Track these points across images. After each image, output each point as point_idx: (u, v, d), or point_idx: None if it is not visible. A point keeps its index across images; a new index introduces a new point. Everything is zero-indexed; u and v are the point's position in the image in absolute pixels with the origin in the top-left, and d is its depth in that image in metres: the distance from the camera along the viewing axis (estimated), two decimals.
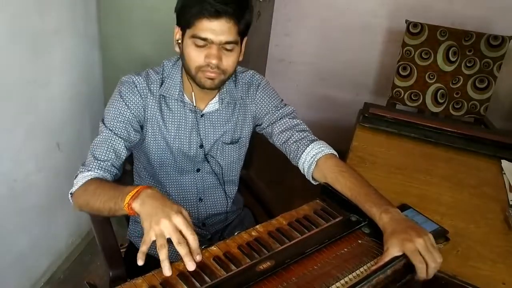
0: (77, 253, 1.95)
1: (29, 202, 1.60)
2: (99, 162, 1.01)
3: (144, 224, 0.80)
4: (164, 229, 0.77)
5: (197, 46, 0.99)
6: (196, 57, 1.00)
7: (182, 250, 0.76)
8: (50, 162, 1.66)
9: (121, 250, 1.24)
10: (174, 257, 0.79)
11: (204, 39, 0.97)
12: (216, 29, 0.96)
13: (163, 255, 0.75)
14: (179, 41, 1.05)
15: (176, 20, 1.04)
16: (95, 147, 1.04)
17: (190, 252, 0.76)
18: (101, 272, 1.85)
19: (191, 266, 0.75)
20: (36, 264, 1.74)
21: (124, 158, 1.06)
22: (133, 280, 0.75)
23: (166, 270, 0.75)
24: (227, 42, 0.98)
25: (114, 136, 1.04)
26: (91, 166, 1.01)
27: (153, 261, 1.22)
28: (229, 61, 1.02)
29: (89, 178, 0.99)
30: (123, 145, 1.05)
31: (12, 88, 1.40)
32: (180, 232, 0.78)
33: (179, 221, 0.78)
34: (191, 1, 0.96)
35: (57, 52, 1.60)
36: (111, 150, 1.03)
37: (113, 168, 1.03)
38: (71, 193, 1.01)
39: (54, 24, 1.55)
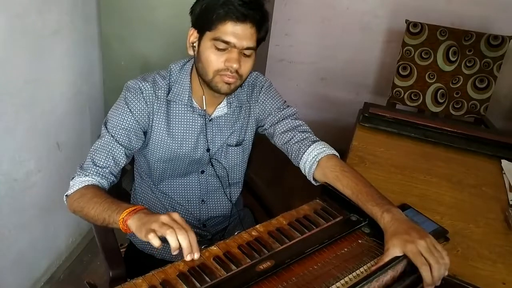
0: (77, 252, 1.95)
1: (29, 202, 1.60)
2: (97, 168, 1.01)
3: (141, 233, 0.79)
4: (164, 220, 0.79)
5: (218, 49, 0.98)
6: (215, 60, 0.99)
7: (184, 241, 0.76)
8: (50, 162, 1.66)
9: (121, 250, 1.24)
10: (174, 257, 0.79)
11: (227, 43, 0.97)
12: (240, 33, 0.96)
13: (173, 241, 0.76)
14: (194, 44, 1.04)
15: (193, 23, 1.03)
16: (95, 151, 1.03)
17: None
18: (101, 272, 1.85)
19: (188, 258, 0.77)
20: (36, 264, 1.74)
21: (123, 165, 1.06)
22: (133, 280, 0.75)
23: (187, 245, 0.77)
24: (248, 48, 0.99)
25: (115, 143, 1.04)
26: (89, 171, 1.00)
27: (153, 261, 1.23)
28: (246, 66, 1.02)
29: (87, 183, 0.98)
30: (123, 152, 1.05)
31: (12, 88, 1.40)
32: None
33: (176, 216, 0.80)
34: (216, 4, 0.95)
35: (57, 52, 1.60)
36: (111, 157, 1.03)
37: (111, 175, 1.03)
38: (66, 195, 1.01)
39: (54, 24, 1.55)
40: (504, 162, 1.50)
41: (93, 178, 1.00)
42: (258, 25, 0.98)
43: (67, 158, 1.74)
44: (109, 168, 1.02)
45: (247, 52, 1.00)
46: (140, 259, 1.23)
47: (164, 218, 0.79)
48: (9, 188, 1.48)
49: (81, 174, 1.00)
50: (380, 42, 2.61)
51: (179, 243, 0.76)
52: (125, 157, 1.05)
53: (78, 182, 0.99)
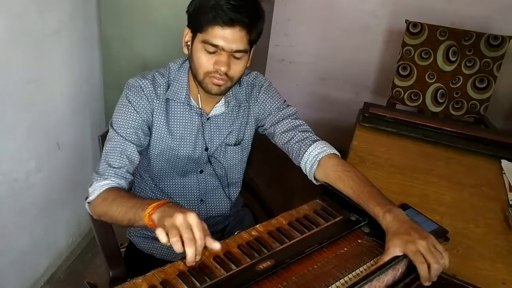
0: (77, 252, 1.96)
1: (29, 202, 1.60)
2: (114, 169, 1.00)
3: (158, 224, 0.78)
4: (177, 221, 0.75)
5: (207, 51, 0.98)
6: (205, 62, 0.99)
7: (190, 251, 0.74)
8: (50, 162, 1.66)
9: (121, 250, 1.25)
10: (174, 257, 0.79)
11: (215, 46, 0.97)
12: (229, 37, 0.96)
13: (178, 248, 0.74)
14: (188, 43, 1.04)
15: (187, 22, 1.03)
16: (108, 154, 1.02)
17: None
18: (101, 272, 1.85)
19: (190, 264, 0.75)
20: (36, 264, 1.74)
21: (137, 162, 1.06)
22: (133, 280, 0.75)
23: (192, 256, 0.74)
24: (238, 51, 0.98)
25: (126, 142, 1.04)
26: (107, 174, 0.99)
27: (153, 260, 1.23)
28: (236, 68, 1.02)
29: (106, 187, 0.98)
30: (135, 150, 1.05)
31: (12, 88, 1.40)
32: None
33: (192, 219, 0.76)
34: (206, 6, 0.95)
35: (57, 52, 1.60)
36: (125, 157, 1.02)
37: (128, 174, 1.02)
38: (88, 202, 1.00)
39: (54, 24, 1.55)
40: (504, 162, 1.50)
41: (111, 180, 0.99)
42: (248, 28, 0.97)
43: (67, 158, 1.75)
44: (125, 168, 1.02)
45: (237, 54, 0.99)
46: (140, 259, 1.23)
47: (179, 220, 0.76)
48: (9, 188, 1.48)
49: (99, 179, 0.99)
50: (380, 42, 2.61)
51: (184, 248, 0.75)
52: (138, 154, 1.06)
53: (98, 187, 0.98)
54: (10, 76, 1.38)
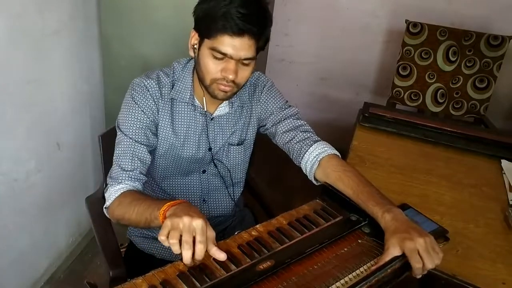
0: (77, 252, 1.96)
1: (29, 202, 1.60)
2: (127, 172, 1.01)
3: (165, 222, 0.77)
4: (181, 224, 0.75)
5: (215, 58, 0.98)
6: (212, 69, 0.99)
7: (185, 254, 0.74)
8: (50, 162, 1.66)
9: (121, 250, 1.25)
10: (174, 257, 0.79)
11: (224, 54, 0.97)
12: (237, 45, 0.96)
13: (176, 249, 0.74)
14: (195, 46, 1.03)
15: (195, 25, 1.02)
16: (119, 157, 1.03)
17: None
18: (101, 272, 1.85)
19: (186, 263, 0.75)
20: (36, 264, 1.74)
21: (149, 163, 1.06)
22: (133, 280, 0.75)
23: (187, 259, 0.74)
24: (246, 58, 0.98)
25: (136, 144, 1.04)
26: (121, 178, 1.00)
27: (153, 261, 1.23)
28: (244, 75, 1.02)
29: (122, 191, 0.98)
30: (146, 150, 1.05)
31: (12, 88, 1.40)
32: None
33: (198, 224, 0.76)
34: (216, 13, 0.94)
35: (57, 52, 1.60)
36: (136, 159, 1.03)
37: (141, 175, 1.03)
38: (105, 207, 1.01)
39: (54, 24, 1.55)
40: (504, 162, 1.50)
41: (126, 184, 0.99)
42: (258, 36, 0.97)
43: (67, 158, 1.75)
44: (138, 170, 1.02)
45: (245, 61, 0.99)
46: (140, 259, 1.23)
47: (184, 222, 0.76)
48: (9, 188, 1.48)
49: (113, 183, 1.00)
50: (380, 42, 2.61)
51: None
52: (148, 154, 1.06)
53: (113, 192, 0.99)
54: (10, 76, 1.38)
